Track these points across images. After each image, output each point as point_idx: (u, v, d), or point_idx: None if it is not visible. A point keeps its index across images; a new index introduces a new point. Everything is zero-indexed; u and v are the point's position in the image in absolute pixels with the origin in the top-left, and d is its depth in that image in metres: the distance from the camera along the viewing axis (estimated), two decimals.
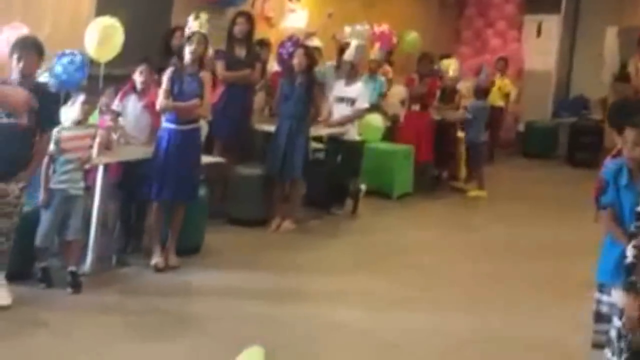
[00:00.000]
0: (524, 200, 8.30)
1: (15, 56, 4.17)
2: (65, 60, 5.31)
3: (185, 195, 5.11)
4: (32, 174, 4.33)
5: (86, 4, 6.31)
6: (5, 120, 4.08)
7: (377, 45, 8.37)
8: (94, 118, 4.92)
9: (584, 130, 10.85)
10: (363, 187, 7.14)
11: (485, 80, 8.55)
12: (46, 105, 4.26)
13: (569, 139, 10.99)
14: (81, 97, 4.58)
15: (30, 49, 4.19)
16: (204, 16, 5.08)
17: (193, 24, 5.06)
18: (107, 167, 4.89)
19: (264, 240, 5.99)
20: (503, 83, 10.18)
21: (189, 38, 5.04)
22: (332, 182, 6.94)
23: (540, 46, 11.53)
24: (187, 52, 5.01)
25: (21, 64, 4.13)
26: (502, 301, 5.03)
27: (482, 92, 8.38)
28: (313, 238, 6.18)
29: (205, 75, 5.15)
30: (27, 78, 4.19)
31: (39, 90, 4.27)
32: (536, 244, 6.50)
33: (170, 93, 5.00)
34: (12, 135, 4.10)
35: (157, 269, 4.98)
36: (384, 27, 8.89)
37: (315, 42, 7.68)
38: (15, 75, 4.18)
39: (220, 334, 4.16)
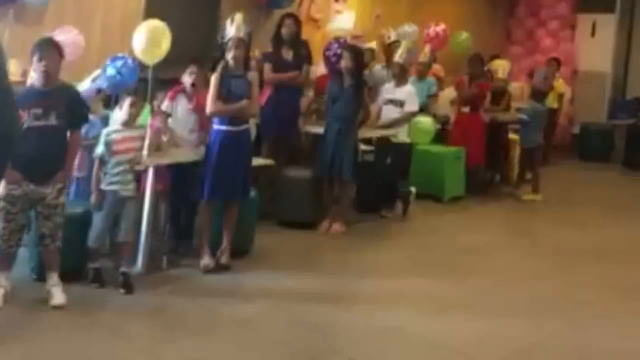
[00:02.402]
0: (579, 203, 8.04)
1: (35, 57, 4.17)
2: (119, 63, 5.35)
3: (239, 194, 5.09)
4: (68, 175, 4.35)
5: (135, 7, 6.36)
6: (35, 123, 4.08)
7: (427, 47, 8.23)
8: (145, 119, 4.92)
9: None
10: (413, 189, 7.01)
11: (542, 82, 8.26)
12: (73, 105, 4.26)
13: (625, 141, 10.63)
14: (128, 100, 4.59)
15: (51, 50, 4.18)
16: (238, 18, 5.02)
17: (230, 29, 5.01)
18: (157, 169, 4.89)
19: (314, 242, 5.91)
20: (557, 84, 9.92)
21: (227, 44, 5.00)
22: (381, 185, 6.83)
23: (595, 46, 11.19)
24: (229, 59, 4.99)
25: (42, 65, 4.11)
26: (561, 306, 4.83)
27: (539, 93, 8.10)
28: (364, 240, 6.07)
29: (252, 75, 5.13)
30: (49, 79, 4.16)
31: (64, 91, 4.26)
32: (592, 248, 6.27)
33: (218, 97, 4.98)
34: (43, 137, 4.10)
35: (207, 270, 4.95)
36: (440, 28, 8.72)
37: (370, 43, 7.60)
38: (35, 76, 4.17)
39: (271, 336, 4.09)
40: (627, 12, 11.20)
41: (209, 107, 5.02)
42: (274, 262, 5.31)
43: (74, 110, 4.26)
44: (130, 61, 5.44)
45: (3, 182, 4.03)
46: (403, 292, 4.90)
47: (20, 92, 4.27)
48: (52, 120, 4.12)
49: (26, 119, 4.05)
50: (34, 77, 4.20)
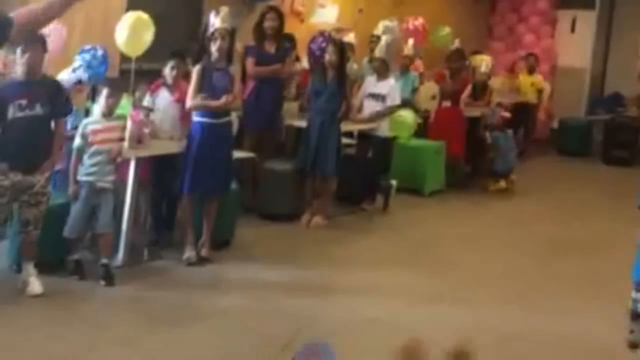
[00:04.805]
0: (557, 196, 8.15)
1: (19, 50, 4.19)
2: (86, 55, 5.32)
3: (219, 188, 5.11)
4: (54, 163, 4.40)
5: None
6: (20, 114, 4.14)
7: (410, 41, 8.27)
8: (124, 110, 4.91)
9: (619, 127, 10.63)
10: (394, 183, 7.07)
11: (494, 117, 8.26)
12: (55, 95, 4.33)
13: (603, 137, 10.78)
14: (105, 91, 4.60)
15: (35, 43, 4.20)
16: (224, 10, 5.05)
17: (215, 21, 5.04)
18: (138, 161, 4.89)
19: (295, 235, 5.95)
20: (536, 79, 10.03)
21: (213, 35, 5.03)
22: (362, 178, 6.88)
23: (574, 42, 11.31)
24: (213, 50, 5.01)
25: (26, 57, 4.16)
26: (537, 298, 4.94)
27: (495, 127, 8.14)
28: (344, 233, 6.12)
29: (234, 69, 5.15)
30: (32, 71, 4.21)
31: (46, 82, 4.34)
32: (569, 241, 6.37)
33: (199, 91, 4.99)
34: (29, 127, 4.16)
35: (189, 263, 4.97)
36: (419, 23, 8.79)
37: (349, 37, 7.62)
38: (19, 68, 4.21)
39: (251, 328, 4.13)
40: (607, 9, 11.33)
41: (189, 101, 5.03)
42: (255, 255, 5.35)
43: (56, 101, 4.32)
44: (99, 52, 5.40)
45: None
46: (383, 284, 4.96)
47: (4, 84, 4.31)
48: (38, 110, 4.19)
49: (11, 110, 4.11)
50: (17, 70, 4.25)
